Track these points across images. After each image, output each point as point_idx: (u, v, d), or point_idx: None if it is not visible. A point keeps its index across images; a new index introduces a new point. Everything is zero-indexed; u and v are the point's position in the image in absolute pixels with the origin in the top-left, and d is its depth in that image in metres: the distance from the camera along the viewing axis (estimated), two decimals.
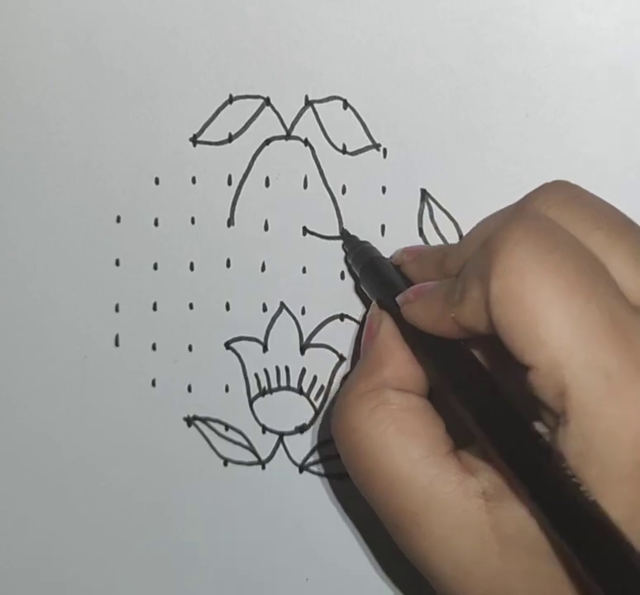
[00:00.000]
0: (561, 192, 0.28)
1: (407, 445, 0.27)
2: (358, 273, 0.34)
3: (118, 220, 0.36)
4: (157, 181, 0.36)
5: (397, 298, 0.30)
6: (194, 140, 0.36)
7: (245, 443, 0.37)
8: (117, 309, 0.37)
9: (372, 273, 0.33)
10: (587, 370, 0.23)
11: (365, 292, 0.34)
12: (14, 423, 0.38)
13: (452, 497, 0.26)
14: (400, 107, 0.35)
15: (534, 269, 0.24)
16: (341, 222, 0.35)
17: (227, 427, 0.37)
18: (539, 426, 0.26)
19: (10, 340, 0.37)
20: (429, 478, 0.26)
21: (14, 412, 0.38)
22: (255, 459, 0.37)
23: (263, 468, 0.37)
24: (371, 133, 0.35)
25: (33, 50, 0.36)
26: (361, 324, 0.36)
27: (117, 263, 0.37)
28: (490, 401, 0.26)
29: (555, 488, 0.24)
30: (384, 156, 0.35)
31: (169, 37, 0.35)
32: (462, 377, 0.27)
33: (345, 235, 0.35)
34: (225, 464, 0.37)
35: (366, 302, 0.35)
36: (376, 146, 0.35)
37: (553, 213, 0.27)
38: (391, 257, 0.34)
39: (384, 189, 0.35)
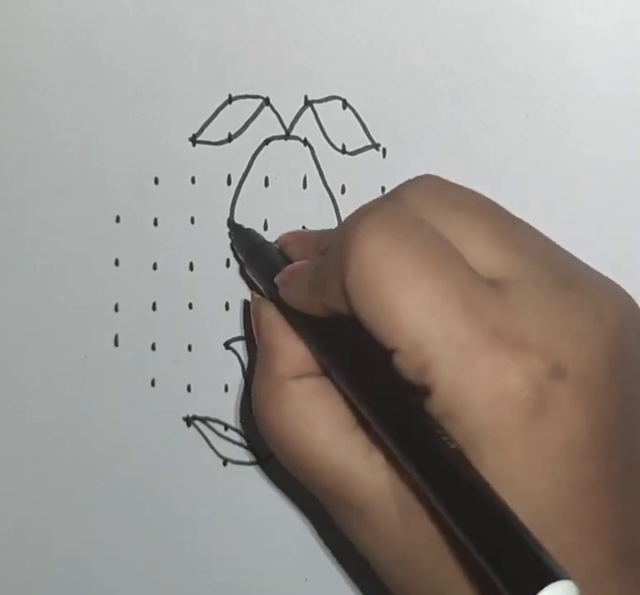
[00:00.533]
0: (425, 182, 0.29)
1: (313, 430, 0.28)
2: (243, 259, 0.34)
3: (118, 220, 0.36)
4: (157, 181, 0.36)
5: (275, 279, 0.30)
6: (194, 140, 0.36)
7: (245, 443, 0.37)
8: (116, 309, 0.37)
9: (256, 258, 0.33)
10: (441, 345, 0.25)
11: (251, 277, 0.34)
12: (14, 423, 0.38)
13: (360, 470, 0.27)
14: (400, 107, 0.35)
15: (382, 258, 0.25)
16: (340, 222, 0.35)
17: (227, 427, 0.37)
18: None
19: (10, 339, 0.37)
20: (339, 456, 0.28)
21: (14, 412, 0.38)
22: (254, 458, 0.37)
23: (262, 468, 0.37)
24: (371, 133, 0.35)
25: (33, 50, 0.36)
26: (246, 312, 0.36)
27: (117, 263, 0.37)
28: (363, 372, 0.27)
29: (421, 444, 0.25)
30: (384, 156, 0.35)
31: (169, 37, 0.35)
32: (338, 353, 0.28)
33: (230, 224, 0.36)
34: (225, 463, 0.37)
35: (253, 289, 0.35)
36: (376, 146, 0.35)
37: (415, 202, 0.28)
38: (276, 240, 0.34)
39: (383, 189, 0.35)
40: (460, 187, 0.29)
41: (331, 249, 0.28)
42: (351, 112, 0.35)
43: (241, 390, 0.37)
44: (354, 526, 0.28)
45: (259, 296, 0.32)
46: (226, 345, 0.37)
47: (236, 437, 0.37)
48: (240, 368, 0.37)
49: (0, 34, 0.36)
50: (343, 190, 0.35)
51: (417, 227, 0.26)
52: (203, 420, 0.37)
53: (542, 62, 0.34)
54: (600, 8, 0.33)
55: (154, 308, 0.37)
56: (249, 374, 0.37)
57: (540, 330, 0.25)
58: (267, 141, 0.35)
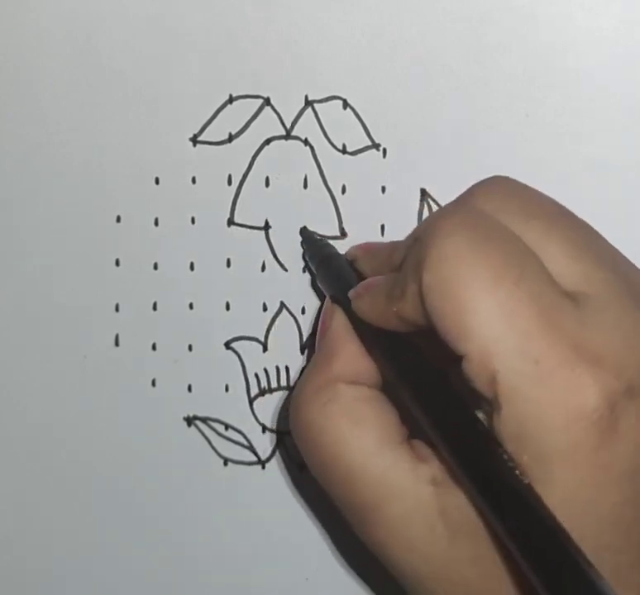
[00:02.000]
0: (500, 185, 0.28)
1: (360, 436, 0.27)
2: (314, 269, 0.35)
3: (118, 220, 0.36)
4: (157, 181, 0.36)
5: (349, 293, 0.30)
6: (194, 140, 0.36)
7: (245, 443, 0.37)
8: (117, 309, 0.37)
9: (327, 268, 0.33)
10: (515, 356, 0.24)
11: (321, 287, 0.34)
12: (14, 423, 0.38)
13: (404, 485, 0.27)
14: (400, 107, 0.35)
15: (463, 260, 0.25)
16: (340, 222, 0.36)
17: (227, 427, 0.37)
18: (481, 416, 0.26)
19: (10, 339, 0.37)
20: (382, 467, 0.27)
21: (14, 412, 0.38)
22: (255, 458, 0.37)
23: (263, 467, 0.37)
24: (371, 133, 0.35)
25: (33, 50, 0.36)
26: (316, 320, 0.36)
27: (117, 263, 0.37)
28: (433, 390, 0.27)
29: (489, 472, 0.24)
30: (384, 156, 0.35)
31: (169, 37, 0.35)
32: (408, 368, 0.28)
33: (303, 232, 0.36)
34: (225, 463, 0.37)
35: (322, 298, 0.35)
36: (376, 146, 0.35)
37: (491, 206, 0.27)
38: (346, 253, 0.34)
39: (383, 189, 0.35)
40: (534, 190, 0.28)
41: (408, 254, 0.27)
42: (352, 112, 0.35)
43: (242, 390, 0.37)
44: (387, 543, 0.27)
45: (329, 302, 0.32)
46: (227, 345, 0.37)
47: (237, 437, 0.37)
48: (240, 368, 0.37)
49: (0, 34, 0.36)
50: (344, 190, 0.35)
51: (498, 230, 0.26)
52: (204, 420, 0.37)
53: (542, 62, 0.34)
54: (600, 8, 0.33)
55: (154, 308, 0.37)
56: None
57: (616, 347, 0.24)
58: (268, 141, 0.35)
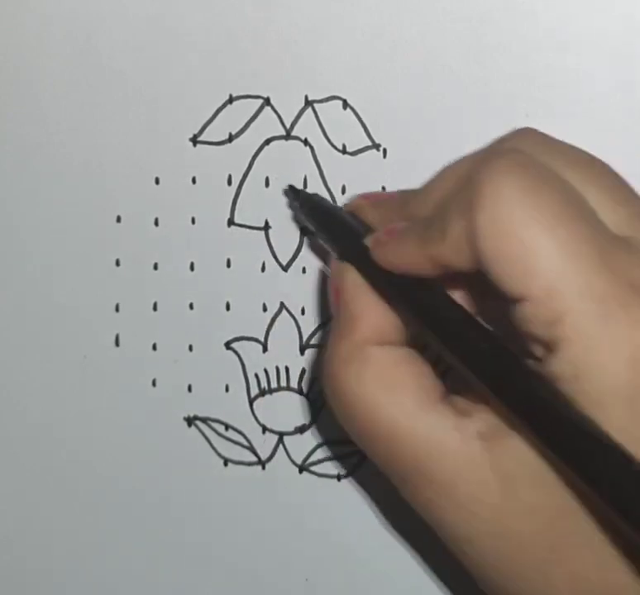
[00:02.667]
0: (532, 134, 0.28)
1: (398, 399, 0.27)
2: (313, 227, 0.33)
3: (118, 220, 0.36)
4: (157, 181, 0.36)
5: (368, 241, 0.29)
6: (194, 140, 0.36)
7: (245, 443, 0.37)
8: (117, 309, 0.37)
9: (329, 223, 0.32)
10: (581, 296, 0.24)
11: (324, 245, 0.33)
12: (14, 423, 0.38)
13: (450, 442, 0.26)
14: (400, 107, 0.35)
15: (519, 200, 0.24)
16: None
17: (227, 427, 0.37)
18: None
19: (10, 339, 0.37)
20: (425, 427, 0.26)
21: (14, 412, 0.38)
22: (255, 459, 0.37)
23: (263, 468, 0.37)
24: (371, 133, 0.35)
25: (33, 50, 0.36)
26: (323, 278, 0.35)
27: (117, 263, 0.37)
28: (473, 338, 0.26)
29: (550, 413, 0.24)
30: (384, 156, 0.35)
31: (169, 37, 0.35)
32: (441, 317, 0.27)
33: (291, 190, 0.34)
34: (225, 464, 0.37)
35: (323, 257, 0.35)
36: (376, 146, 0.35)
37: (534, 154, 0.27)
38: (345, 206, 0.33)
39: (383, 189, 0.35)
40: (562, 141, 0.28)
41: (452, 196, 0.26)
42: (352, 112, 0.35)
43: (242, 390, 0.37)
44: (438, 503, 0.26)
45: (336, 261, 0.30)
46: (227, 345, 0.37)
47: (237, 437, 0.37)
48: (240, 368, 0.37)
49: (0, 34, 0.36)
50: (343, 190, 0.35)
51: (549, 172, 0.25)
52: (204, 420, 0.37)
53: (542, 62, 0.34)
54: (600, 8, 0.33)
55: (155, 308, 0.37)
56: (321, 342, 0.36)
57: None
58: (268, 141, 0.35)
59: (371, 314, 0.28)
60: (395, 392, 0.27)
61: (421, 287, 0.27)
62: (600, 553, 0.24)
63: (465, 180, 0.26)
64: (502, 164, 0.25)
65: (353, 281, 0.29)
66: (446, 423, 0.26)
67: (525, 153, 0.26)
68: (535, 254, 0.24)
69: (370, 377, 0.27)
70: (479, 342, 0.26)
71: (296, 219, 0.35)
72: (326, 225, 0.32)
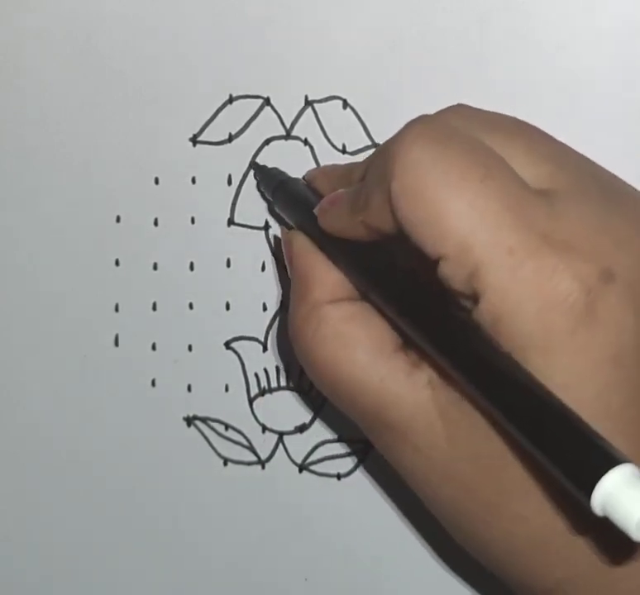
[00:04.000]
0: (459, 107, 0.29)
1: (353, 353, 0.28)
2: (270, 196, 0.34)
3: (118, 220, 0.36)
4: (157, 181, 0.36)
5: (314, 210, 0.30)
6: (194, 140, 0.36)
7: (245, 443, 0.37)
8: (116, 309, 0.37)
9: (284, 194, 0.33)
10: (490, 248, 0.24)
11: (280, 213, 0.34)
12: (13, 423, 0.38)
13: (402, 391, 0.27)
14: (400, 107, 0.35)
15: (428, 164, 0.25)
16: None
17: (227, 427, 0.37)
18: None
19: (10, 339, 0.37)
20: (379, 377, 0.28)
21: (13, 412, 0.38)
22: (255, 458, 0.37)
23: (263, 467, 0.37)
24: (371, 133, 0.35)
25: (33, 50, 0.36)
26: (277, 246, 0.36)
27: (117, 263, 0.37)
28: (406, 292, 0.27)
29: (471, 356, 0.25)
30: None
31: (169, 37, 0.35)
32: (378, 275, 0.28)
33: (254, 165, 0.35)
34: (225, 463, 0.37)
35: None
36: (376, 146, 0.35)
37: (455, 123, 0.27)
38: (303, 176, 0.34)
39: None
40: (493, 111, 0.29)
41: (371, 164, 0.28)
42: (352, 112, 0.35)
43: (242, 390, 0.37)
44: (396, 449, 0.28)
45: (288, 229, 0.32)
46: (227, 344, 0.37)
47: (237, 437, 0.37)
48: (240, 368, 0.37)
49: (0, 34, 0.36)
50: None
51: (461, 135, 0.26)
52: (204, 420, 0.37)
53: (542, 62, 0.34)
54: (600, 8, 0.33)
55: (154, 308, 0.37)
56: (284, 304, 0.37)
57: (588, 235, 0.25)
58: (268, 141, 0.36)
59: (322, 274, 0.30)
60: (349, 346, 0.28)
61: (363, 248, 0.29)
62: (540, 498, 0.25)
63: (380, 149, 0.28)
64: (411, 131, 0.26)
65: (301, 246, 0.30)
66: (398, 374, 0.28)
67: (439, 119, 0.28)
68: (445, 214, 0.25)
69: (325, 334, 0.29)
70: (410, 296, 0.27)
71: (260, 191, 0.36)
72: (281, 194, 0.34)
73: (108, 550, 0.38)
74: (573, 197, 0.26)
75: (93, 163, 0.36)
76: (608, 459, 0.21)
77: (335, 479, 0.37)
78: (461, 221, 0.25)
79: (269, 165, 0.35)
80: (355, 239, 0.28)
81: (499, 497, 0.26)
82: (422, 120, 0.28)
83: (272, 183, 0.34)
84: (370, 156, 0.30)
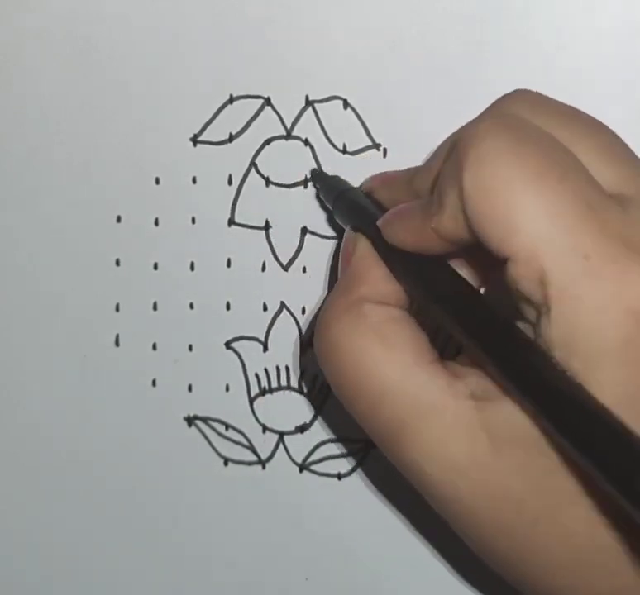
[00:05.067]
0: (528, 95, 0.28)
1: (392, 354, 0.27)
2: (331, 206, 0.34)
3: (118, 220, 0.36)
4: (157, 181, 0.36)
5: (378, 222, 0.29)
6: (194, 140, 0.36)
7: (246, 443, 0.37)
8: (117, 309, 0.37)
9: (345, 203, 0.33)
10: (564, 253, 0.23)
11: (341, 223, 0.33)
12: (13, 423, 0.38)
13: (442, 400, 0.26)
14: (400, 107, 0.35)
15: (504, 159, 0.24)
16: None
17: (228, 427, 0.37)
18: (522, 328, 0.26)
19: (10, 339, 0.37)
20: (417, 384, 0.26)
21: (13, 412, 0.38)
22: (255, 458, 0.37)
23: (263, 467, 0.37)
24: (371, 133, 0.35)
25: (33, 50, 0.36)
26: (336, 251, 0.35)
27: (117, 263, 0.37)
28: (470, 306, 0.26)
29: (541, 377, 0.23)
30: (384, 156, 0.35)
31: (169, 37, 0.35)
32: (442, 287, 0.27)
33: (313, 172, 0.35)
34: (225, 463, 0.37)
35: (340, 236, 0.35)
36: (376, 146, 0.35)
37: (523, 112, 0.27)
38: (360, 186, 0.34)
39: None
40: (560, 101, 0.28)
41: (444, 166, 0.26)
42: (352, 112, 0.35)
43: (242, 390, 0.37)
44: (424, 460, 0.26)
45: (351, 231, 0.31)
46: (227, 344, 0.37)
47: (237, 437, 0.37)
48: (240, 368, 0.37)
49: (0, 34, 0.36)
50: None
51: (536, 131, 0.25)
52: (204, 420, 0.37)
53: (542, 62, 0.34)
54: (600, 8, 0.33)
55: (154, 308, 0.37)
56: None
57: None
58: (268, 141, 0.35)
59: (374, 277, 0.28)
60: (388, 346, 0.27)
61: (426, 262, 0.28)
62: (589, 511, 0.24)
63: (452, 147, 0.26)
64: (484, 126, 0.25)
65: (363, 248, 0.29)
66: (439, 382, 0.26)
67: (510, 113, 0.26)
68: (517, 212, 0.24)
69: (364, 330, 0.27)
70: (475, 311, 0.26)
71: (319, 199, 0.35)
72: (342, 203, 0.33)
73: (108, 550, 0.38)
74: None
75: (93, 163, 0.36)
76: None
77: (335, 479, 0.37)
78: (535, 221, 0.24)
79: (272, 167, 0.35)
80: (423, 251, 0.27)
81: (546, 511, 0.25)
82: (492, 112, 0.27)
83: (332, 192, 0.34)
84: (434, 156, 0.29)
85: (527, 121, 0.26)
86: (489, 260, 0.25)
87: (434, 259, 0.27)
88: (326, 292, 0.36)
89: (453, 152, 0.26)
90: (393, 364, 0.26)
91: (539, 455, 0.25)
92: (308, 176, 0.35)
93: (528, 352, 0.24)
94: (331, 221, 0.35)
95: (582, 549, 0.25)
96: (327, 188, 0.34)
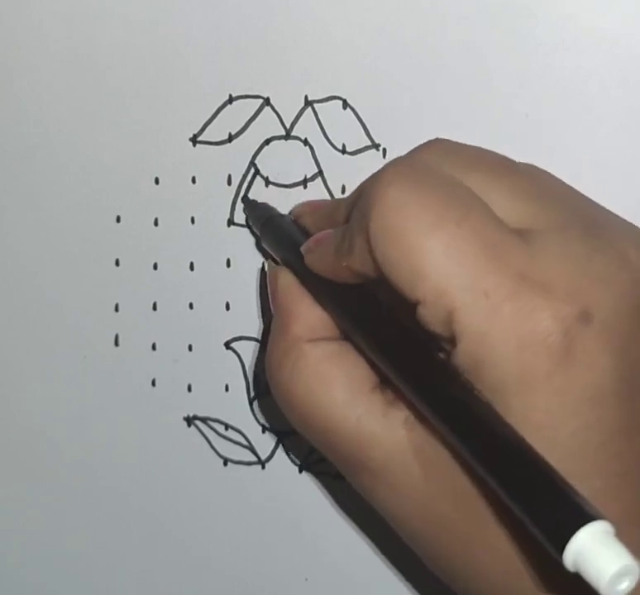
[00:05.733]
0: (440, 142, 0.29)
1: (330, 391, 0.28)
2: (258, 231, 0.35)
3: (118, 220, 0.36)
4: (157, 181, 0.36)
5: (301, 248, 0.30)
6: (194, 140, 0.36)
7: (245, 443, 0.37)
8: (116, 309, 0.37)
9: (271, 230, 0.34)
10: (466, 292, 0.24)
11: (266, 248, 0.34)
12: (13, 423, 0.38)
13: (378, 431, 0.27)
14: (400, 107, 0.35)
15: (404, 207, 0.25)
16: None
17: (227, 427, 0.37)
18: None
19: (10, 339, 0.37)
20: (355, 416, 0.27)
21: (14, 412, 0.38)
22: (254, 458, 0.37)
23: (263, 467, 0.37)
24: (371, 133, 0.35)
25: (33, 50, 0.36)
26: (262, 282, 0.36)
27: (117, 263, 0.37)
28: (387, 334, 0.27)
29: (446, 400, 0.25)
30: (384, 156, 0.35)
31: (168, 37, 0.35)
32: (361, 316, 0.28)
33: (244, 199, 0.36)
34: (225, 463, 0.37)
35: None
36: (376, 146, 0.35)
37: (433, 161, 0.27)
38: (290, 212, 0.35)
39: None
40: (475, 146, 0.29)
41: (354, 208, 0.27)
42: (352, 112, 0.35)
43: (242, 390, 0.37)
44: (373, 488, 0.28)
45: (274, 264, 0.32)
46: (227, 344, 0.37)
47: (237, 437, 0.37)
48: (240, 368, 0.37)
49: (0, 34, 0.36)
50: (343, 190, 0.35)
51: (439, 176, 0.26)
52: (204, 420, 0.37)
53: (542, 62, 0.34)
54: (600, 8, 0.33)
55: (154, 308, 0.37)
56: (262, 346, 0.37)
57: (566, 275, 0.25)
58: (268, 141, 0.35)
59: (303, 312, 0.30)
60: (326, 384, 0.28)
61: (346, 289, 0.29)
62: (511, 530, 0.25)
63: (360, 193, 0.27)
64: (388, 172, 0.26)
65: (285, 283, 0.30)
66: (375, 413, 0.27)
67: (417, 161, 0.28)
68: (420, 257, 0.25)
69: (303, 372, 0.28)
70: (390, 340, 0.27)
71: (248, 226, 0.36)
72: (268, 231, 0.34)
73: (108, 550, 0.38)
74: (553, 237, 0.26)
75: (93, 163, 0.36)
76: (582, 515, 0.21)
77: (335, 479, 0.37)
78: (437, 264, 0.25)
79: (271, 167, 0.35)
80: (341, 280, 0.28)
81: (475, 530, 0.26)
82: (399, 161, 0.28)
83: (260, 218, 0.34)
84: (352, 194, 0.30)
85: (432, 167, 0.27)
86: None
87: (355, 287, 0.28)
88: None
89: (361, 197, 0.27)
90: (331, 400, 0.28)
91: (464, 479, 0.26)
92: (242, 202, 0.36)
93: (435, 377, 0.25)
94: (258, 247, 0.36)
95: (510, 568, 0.26)
96: (255, 214, 0.35)
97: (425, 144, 0.29)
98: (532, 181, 0.28)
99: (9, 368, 0.37)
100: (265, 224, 0.34)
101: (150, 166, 0.36)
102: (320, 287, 0.30)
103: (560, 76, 0.34)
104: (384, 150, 0.35)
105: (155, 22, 0.35)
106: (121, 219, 0.36)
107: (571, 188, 0.29)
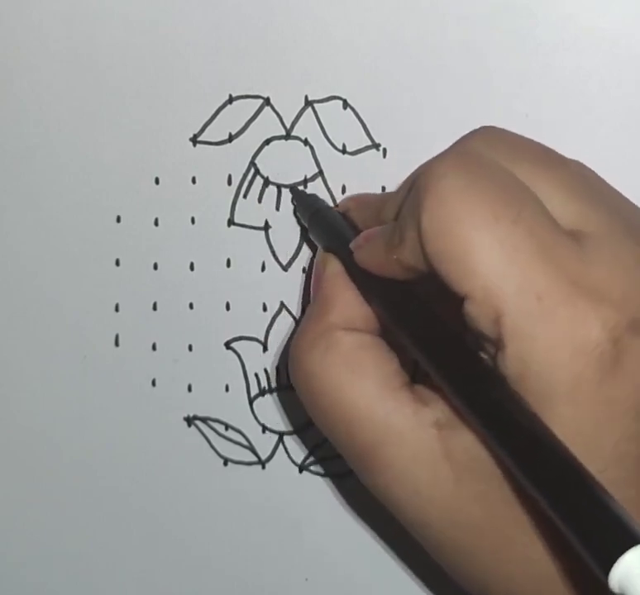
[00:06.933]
0: (491, 131, 0.28)
1: (360, 382, 0.27)
2: (306, 223, 0.34)
3: (118, 220, 0.36)
4: (157, 181, 0.36)
5: (351, 244, 0.30)
6: (194, 140, 0.36)
7: (245, 443, 0.37)
8: (117, 309, 0.37)
9: (319, 222, 0.33)
10: (518, 293, 0.24)
11: (314, 241, 0.34)
12: (13, 423, 0.38)
13: (407, 428, 0.26)
14: (400, 107, 0.35)
15: (459, 199, 0.25)
16: None
17: (227, 427, 0.37)
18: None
19: (10, 339, 0.37)
20: (384, 411, 0.27)
21: (13, 412, 0.38)
22: (255, 458, 0.37)
23: (263, 467, 0.37)
24: (371, 133, 0.35)
25: (33, 50, 0.36)
26: (308, 273, 0.36)
27: (117, 263, 0.37)
28: (434, 333, 0.27)
29: (496, 407, 0.24)
30: (384, 156, 0.35)
31: (168, 37, 0.35)
32: (407, 313, 0.28)
33: (293, 190, 0.35)
34: (225, 463, 0.37)
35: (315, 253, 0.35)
36: (376, 146, 0.35)
37: (483, 150, 0.27)
38: (338, 205, 0.34)
39: (383, 189, 0.35)
40: (523, 136, 0.28)
41: (405, 201, 0.27)
42: (352, 112, 0.35)
43: (242, 390, 0.37)
44: (392, 489, 0.27)
45: (322, 252, 0.31)
46: (227, 345, 0.37)
47: (237, 437, 0.37)
48: (240, 368, 0.37)
49: (0, 34, 0.36)
50: (344, 190, 0.35)
51: (493, 169, 0.26)
52: (204, 420, 0.37)
53: (541, 62, 0.34)
54: (600, 8, 0.33)
55: (154, 308, 0.37)
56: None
57: (617, 283, 0.24)
58: (268, 141, 0.35)
59: (344, 301, 0.29)
60: (357, 375, 0.27)
61: (395, 286, 0.28)
62: (546, 541, 0.25)
63: (413, 183, 0.27)
64: (443, 165, 0.26)
65: (333, 270, 0.30)
66: (405, 410, 0.27)
67: (471, 151, 0.27)
68: (473, 252, 0.24)
69: (334, 359, 0.28)
70: (437, 338, 0.26)
71: (296, 216, 0.36)
72: (317, 221, 0.33)
73: (108, 550, 0.38)
74: (604, 241, 0.25)
75: (93, 163, 0.36)
76: (630, 536, 0.20)
77: (335, 479, 0.37)
78: (490, 262, 0.24)
79: (271, 167, 0.35)
80: (390, 276, 0.28)
81: (505, 540, 0.25)
82: (451, 151, 0.27)
83: (309, 209, 0.34)
84: (402, 189, 0.29)
85: (487, 158, 0.26)
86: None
87: (403, 283, 0.28)
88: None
89: (413, 189, 0.26)
90: (362, 393, 0.27)
91: (497, 485, 0.25)
92: (291, 192, 0.36)
93: (486, 382, 0.25)
94: (304, 238, 0.36)
95: (541, 579, 0.25)
96: (304, 205, 0.35)
97: (474, 132, 0.28)
98: (580, 176, 0.27)
99: (9, 368, 0.37)
100: (313, 216, 0.34)
101: (150, 166, 0.36)
102: (367, 283, 0.29)
103: (560, 76, 0.34)
104: (385, 150, 0.35)
105: (155, 22, 0.35)
106: (122, 219, 0.36)
107: (615, 189, 0.28)
